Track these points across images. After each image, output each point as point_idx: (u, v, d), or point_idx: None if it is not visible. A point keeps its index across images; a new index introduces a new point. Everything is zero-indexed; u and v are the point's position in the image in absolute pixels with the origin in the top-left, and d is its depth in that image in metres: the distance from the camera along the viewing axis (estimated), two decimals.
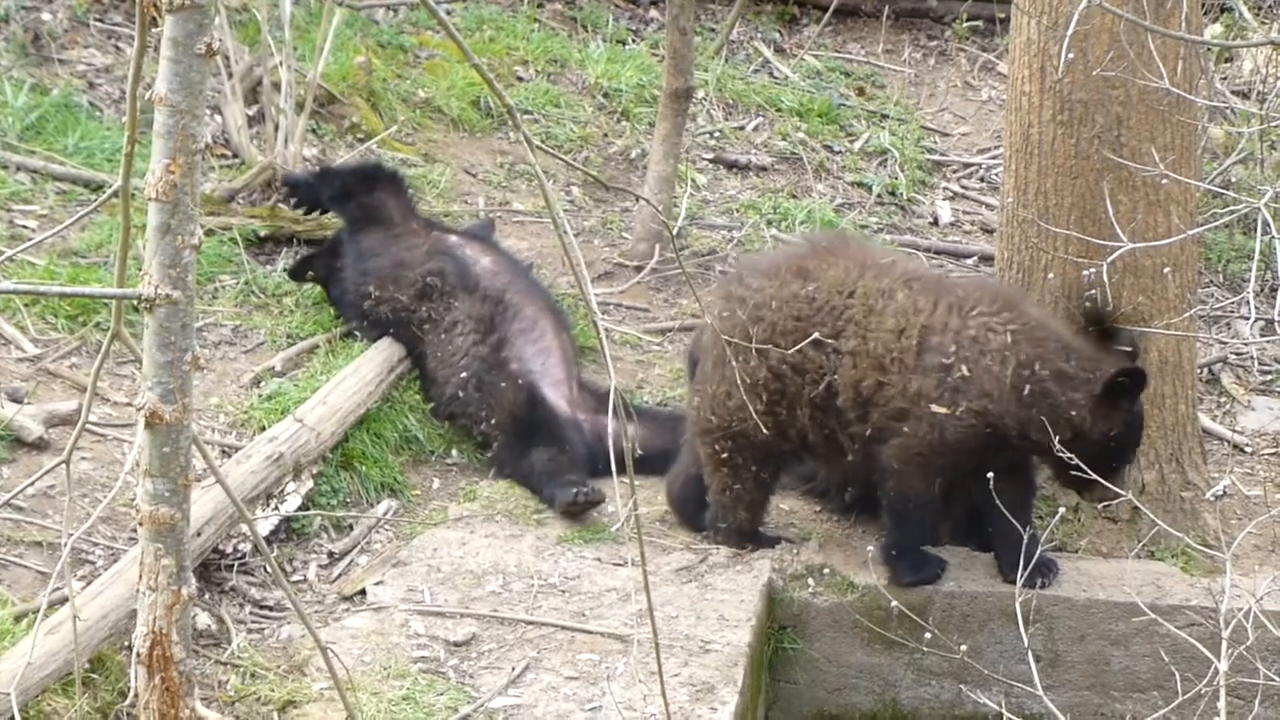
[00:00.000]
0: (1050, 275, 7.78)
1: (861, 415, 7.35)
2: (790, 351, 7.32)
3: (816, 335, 7.29)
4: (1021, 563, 6.54)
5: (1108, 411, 7.26)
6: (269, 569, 7.34)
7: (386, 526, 7.93)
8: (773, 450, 7.60)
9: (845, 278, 7.45)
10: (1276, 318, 8.28)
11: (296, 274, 9.08)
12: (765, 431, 7.39)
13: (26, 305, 8.26)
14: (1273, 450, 8.99)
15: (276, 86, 9.62)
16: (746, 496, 7.68)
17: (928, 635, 7.25)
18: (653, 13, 12.70)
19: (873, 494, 7.62)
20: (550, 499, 7.98)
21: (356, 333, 8.76)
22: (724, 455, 7.62)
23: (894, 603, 7.29)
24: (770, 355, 7.38)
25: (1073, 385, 7.26)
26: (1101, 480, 6.73)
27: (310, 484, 7.80)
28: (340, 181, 9.11)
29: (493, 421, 8.39)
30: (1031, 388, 7.22)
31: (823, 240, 8.10)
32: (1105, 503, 7.67)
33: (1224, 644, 5.81)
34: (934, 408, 7.19)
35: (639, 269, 9.96)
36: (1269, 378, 9.58)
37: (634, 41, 12.28)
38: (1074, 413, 7.23)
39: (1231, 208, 7.46)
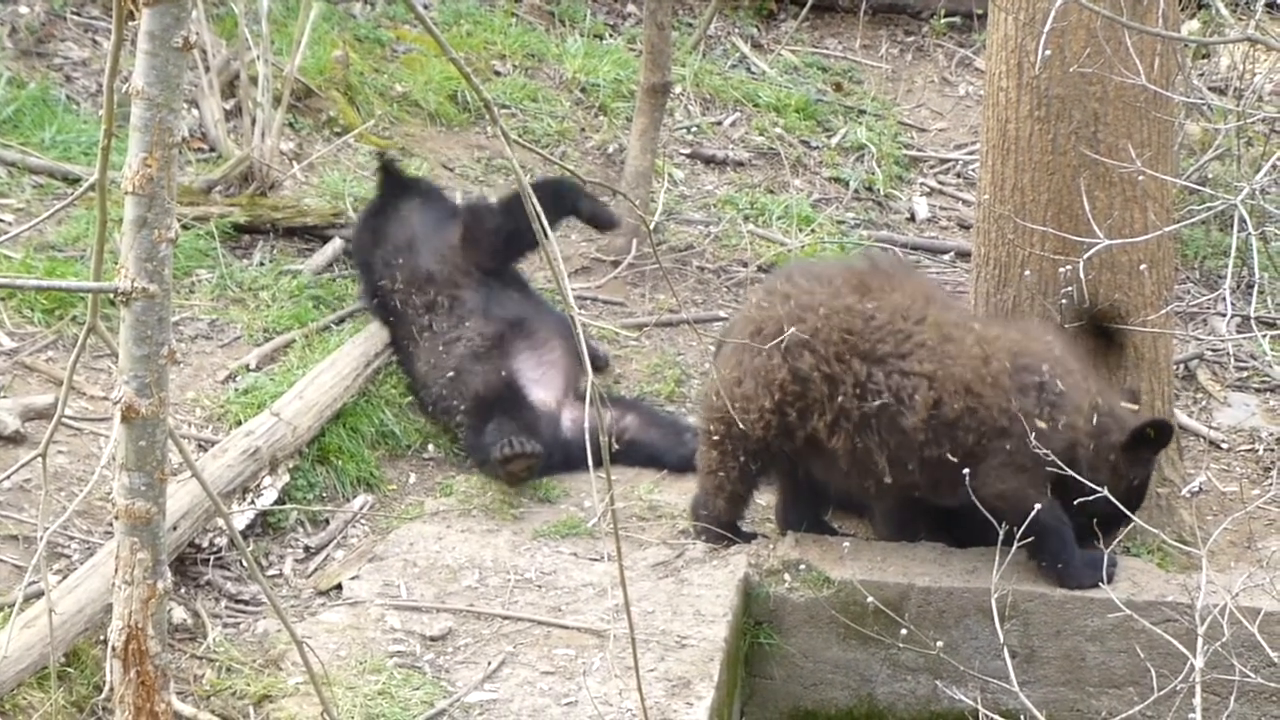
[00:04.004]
0: (1027, 272, 7.77)
1: (935, 439, 7.28)
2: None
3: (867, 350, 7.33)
4: (997, 560, 6.54)
5: (1133, 459, 7.38)
6: (245, 563, 7.33)
7: (362, 521, 7.93)
8: (769, 447, 7.56)
9: (912, 304, 7.40)
10: (1252, 314, 8.31)
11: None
12: (760, 430, 7.44)
13: (3, 299, 8.24)
14: (1248, 446, 9.01)
15: (253, 80, 9.60)
16: (729, 486, 7.65)
17: (904, 631, 7.25)
18: (630, 7, 12.69)
19: (909, 509, 7.75)
20: (490, 464, 8.01)
21: (368, 310, 8.84)
22: (717, 438, 7.60)
23: (870, 598, 7.29)
24: (797, 358, 7.37)
25: (1119, 425, 7.35)
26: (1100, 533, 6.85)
27: (286, 478, 7.79)
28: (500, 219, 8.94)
29: (463, 409, 8.38)
30: (1100, 418, 7.28)
31: (882, 261, 8.04)
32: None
33: (1200, 640, 5.82)
34: (1037, 423, 7.14)
35: (616, 264, 9.96)
36: (1245, 374, 9.60)
37: (612, 36, 12.27)
38: (1112, 456, 7.33)
39: (1208, 204, 7.45)
